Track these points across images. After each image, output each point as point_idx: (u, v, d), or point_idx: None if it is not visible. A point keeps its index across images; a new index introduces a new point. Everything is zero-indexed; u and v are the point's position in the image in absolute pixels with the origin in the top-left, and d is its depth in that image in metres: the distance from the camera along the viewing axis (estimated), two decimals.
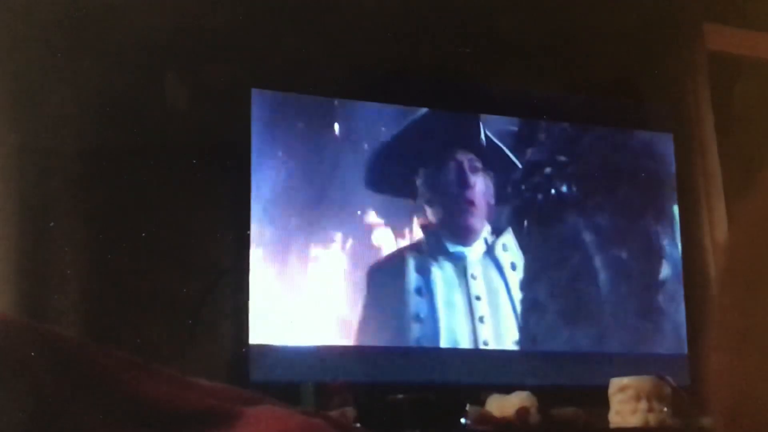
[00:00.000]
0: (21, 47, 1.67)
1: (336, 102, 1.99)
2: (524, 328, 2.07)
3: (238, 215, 1.84)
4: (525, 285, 2.10)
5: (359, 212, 1.98)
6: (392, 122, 2.06)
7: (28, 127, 1.68)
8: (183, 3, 1.75)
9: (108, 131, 1.73)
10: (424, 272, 2.04)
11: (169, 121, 1.78)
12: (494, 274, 2.10)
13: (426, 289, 2.03)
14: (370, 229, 1.99)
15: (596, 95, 2.22)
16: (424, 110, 2.11)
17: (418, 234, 2.05)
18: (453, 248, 2.07)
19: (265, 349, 1.80)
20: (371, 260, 1.97)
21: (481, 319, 2.04)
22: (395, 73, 2.07)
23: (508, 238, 2.12)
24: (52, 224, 1.67)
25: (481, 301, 2.07)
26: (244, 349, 1.78)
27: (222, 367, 1.76)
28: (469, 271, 2.08)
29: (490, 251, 2.10)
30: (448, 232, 2.08)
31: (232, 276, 1.84)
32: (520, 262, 2.12)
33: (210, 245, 1.84)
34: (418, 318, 1.99)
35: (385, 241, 2.01)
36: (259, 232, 1.85)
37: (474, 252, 2.09)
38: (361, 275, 1.95)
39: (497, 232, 2.11)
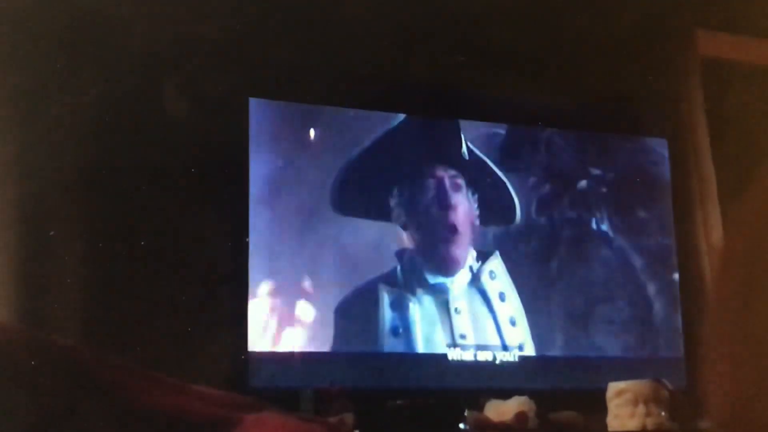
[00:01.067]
0: (20, 57, 1.67)
1: (334, 110, 1.99)
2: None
3: (237, 223, 1.85)
4: (517, 320, 1.90)
5: (348, 226, 1.84)
6: (373, 130, 1.91)
7: (27, 135, 1.68)
8: (181, 14, 1.76)
9: (107, 140, 1.74)
10: (400, 308, 1.81)
11: (168, 130, 1.79)
12: (481, 307, 1.87)
13: (403, 329, 1.80)
14: (355, 248, 1.83)
15: (589, 102, 2.22)
16: (400, 118, 1.92)
17: (392, 263, 1.83)
18: (433, 278, 1.86)
19: (264, 356, 1.80)
20: (344, 291, 1.78)
21: None
22: (397, 80, 2.07)
23: (496, 264, 1.91)
24: (51, 233, 1.67)
25: (467, 340, 1.87)
26: (243, 356, 1.78)
27: (221, 373, 1.76)
28: (452, 305, 1.85)
29: (475, 280, 1.88)
30: (426, 261, 1.85)
31: (230, 283, 1.84)
32: (509, 290, 1.92)
33: (209, 252, 1.84)
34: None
35: (356, 270, 1.80)
36: (257, 239, 1.85)
37: (457, 282, 1.87)
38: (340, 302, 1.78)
39: (483, 257, 1.90)
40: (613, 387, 1.81)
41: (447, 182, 1.91)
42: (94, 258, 1.71)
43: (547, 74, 2.13)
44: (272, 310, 1.84)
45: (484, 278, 1.90)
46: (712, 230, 2.20)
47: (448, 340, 1.87)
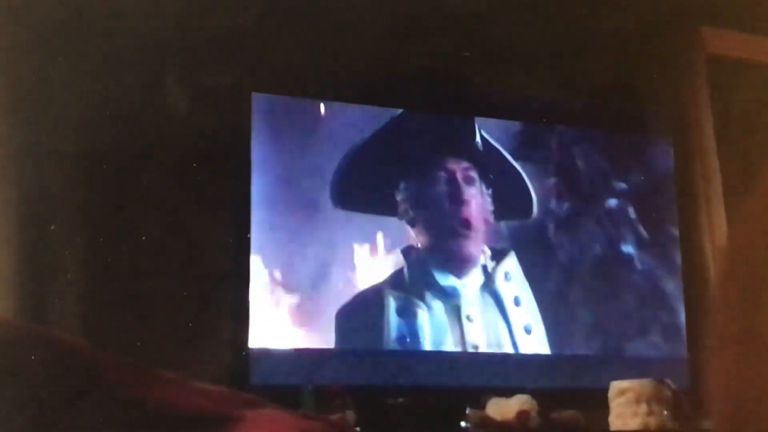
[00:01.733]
0: (23, 50, 1.67)
1: (336, 106, 1.99)
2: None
3: (239, 219, 1.85)
4: (532, 327, 1.80)
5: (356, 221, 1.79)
6: (374, 124, 1.84)
7: (29, 130, 1.68)
8: (184, 8, 1.75)
9: (109, 135, 1.74)
10: (407, 315, 1.68)
11: (170, 125, 1.78)
12: (495, 314, 1.76)
13: (411, 338, 1.68)
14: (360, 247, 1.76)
15: (595, 100, 2.22)
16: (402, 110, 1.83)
17: (398, 262, 1.70)
18: (444, 281, 1.72)
19: (265, 353, 1.80)
20: (347, 288, 1.69)
21: None
22: (398, 76, 2.06)
23: (511, 264, 1.80)
24: (52, 227, 1.67)
25: (478, 350, 1.78)
26: (244, 353, 1.78)
27: (222, 370, 1.76)
28: (464, 312, 1.73)
29: (489, 282, 1.77)
30: (436, 258, 1.72)
31: (232, 279, 1.84)
32: (525, 293, 1.81)
33: (210, 248, 1.84)
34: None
35: (363, 271, 1.69)
36: (259, 235, 1.85)
37: (470, 285, 1.75)
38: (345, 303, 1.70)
39: (498, 256, 1.79)
40: (616, 386, 1.80)
41: (459, 175, 1.79)
42: (94, 253, 1.71)
43: (553, 72, 2.12)
44: (273, 306, 1.84)
45: (499, 280, 1.79)
46: (716, 229, 2.19)
47: (459, 350, 1.80)
